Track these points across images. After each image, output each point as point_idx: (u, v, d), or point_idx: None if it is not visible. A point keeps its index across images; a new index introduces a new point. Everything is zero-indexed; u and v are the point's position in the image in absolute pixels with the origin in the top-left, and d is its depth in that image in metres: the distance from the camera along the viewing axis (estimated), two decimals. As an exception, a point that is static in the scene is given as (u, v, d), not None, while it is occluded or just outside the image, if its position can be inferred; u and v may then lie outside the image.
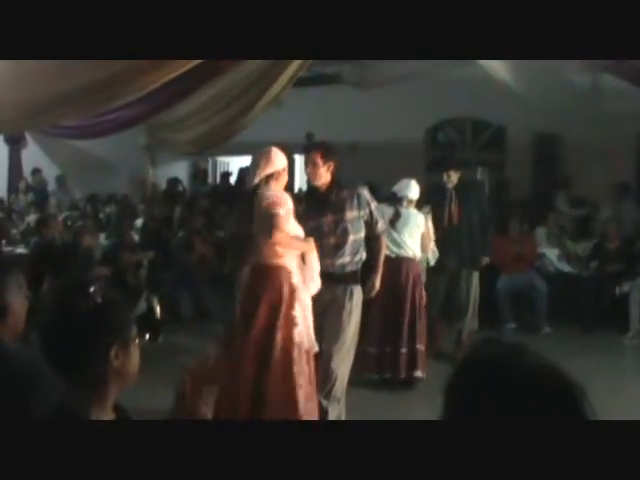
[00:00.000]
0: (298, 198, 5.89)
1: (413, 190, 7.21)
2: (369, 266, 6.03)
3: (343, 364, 5.68)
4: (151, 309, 9.00)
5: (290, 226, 5.19)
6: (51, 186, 15.04)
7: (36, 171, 14.95)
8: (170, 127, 12.99)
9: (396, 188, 7.27)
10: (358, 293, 5.79)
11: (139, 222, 12.05)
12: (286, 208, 5.13)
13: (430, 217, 7.44)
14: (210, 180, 16.62)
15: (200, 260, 10.58)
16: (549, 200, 12.09)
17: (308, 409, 5.19)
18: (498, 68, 9.64)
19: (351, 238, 5.69)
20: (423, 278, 7.38)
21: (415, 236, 7.19)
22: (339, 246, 5.63)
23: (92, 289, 2.16)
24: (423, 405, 6.39)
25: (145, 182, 14.69)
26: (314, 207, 5.60)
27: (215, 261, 10.80)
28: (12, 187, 15.14)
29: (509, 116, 12.28)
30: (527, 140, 12.83)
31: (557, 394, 1.43)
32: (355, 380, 6.09)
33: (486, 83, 10.30)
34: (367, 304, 6.07)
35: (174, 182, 14.87)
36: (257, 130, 11.30)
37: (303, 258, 5.32)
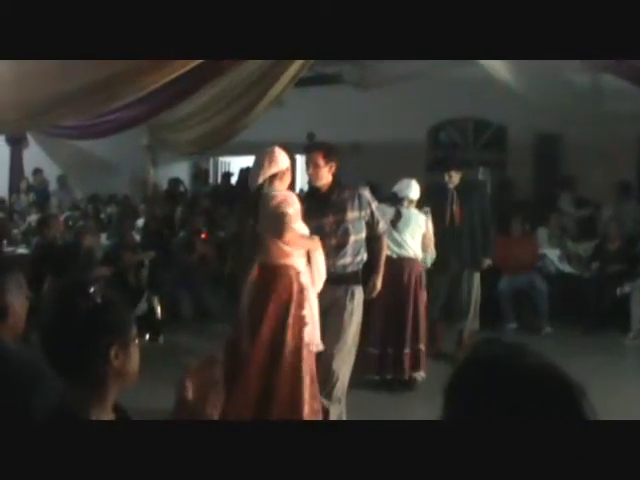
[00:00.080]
0: (299, 198, 5.89)
1: (414, 190, 7.20)
2: (370, 266, 6.03)
3: (344, 364, 5.68)
4: (152, 309, 9.01)
5: (298, 225, 5.20)
6: (52, 186, 15.05)
7: (37, 171, 14.95)
8: (171, 127, 12.99)
9: (397, 188, 7.25)
10: (359, 294, 5.79)
11: (140, 222, 12.05)
12: (295, 207, 5.14)
13: (430, 217, 7.43)
14: (211, 180, 16.61)
15: (201, 260, 10.58)
16: (551, 200, 12.07)
17: (314, 408, 5.20)
18: (499, 68, 9.64)
19: (352, 239, 5.69)
20: (424, 278, 7.36)
21: (416, 236, 7.18)
22: (340, 247, 5.63)
23: (92, 289, 2.16)
24: (423, 405, 6.39)
25: (146, 182, 14.69)
26: (315, 208, 5.60)
27: (216, 261, 10.80)
28: (13, 187, 15.15)
29: (510, 116, 12.28)
30: (528, 140, 12.82)
31: (557, 394, 1.43)
32: (355, 381, 6.09)
33: (487, 83, 10.29)
34: (368, 304, 6.07)
35: (175, 182, 14.86)
36: (258, 130, 11.29)
37: (308, 257, 5.32)
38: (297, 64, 9.60)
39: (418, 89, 12.20)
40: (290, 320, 5.13)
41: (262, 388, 5.11)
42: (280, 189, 5.26)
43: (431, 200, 7.82)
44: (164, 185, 15.04)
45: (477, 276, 8.06)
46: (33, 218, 12.22)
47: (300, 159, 7.80)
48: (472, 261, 7.98)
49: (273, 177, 5.23)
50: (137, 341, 2.26)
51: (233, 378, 5.10)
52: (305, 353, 5.18)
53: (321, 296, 5.39)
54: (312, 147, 6.12)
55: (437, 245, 7.50)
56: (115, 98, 8.84)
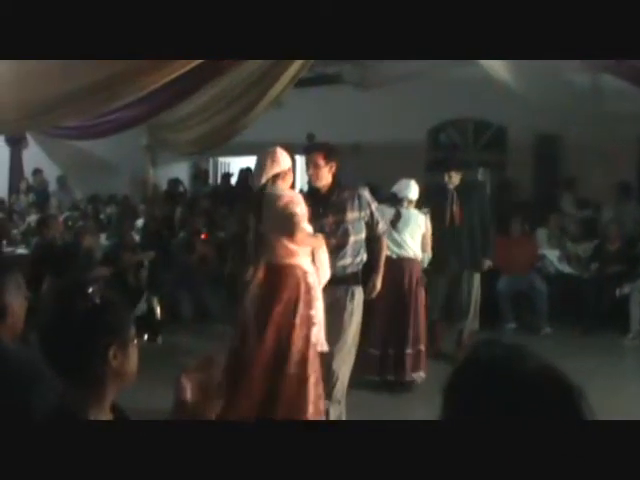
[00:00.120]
0: (300, 199, 5.89)
1: (413, 190, 7.20)
2: (370, 267, 6.03)
3: (344, 365, 5.68)
4: (151, 309, 9.00)
5: (305, 225, 5.20)
6: (52, 186, 15.04)
7: (37, 172, 14.95)
8: (171, 127, 12.99)
9: (396, 189, 7.25)
10: (359, 294, 5.79)
11: (140, 222, 12.05)
12: (302, 207, 5.14)
13: (429, 218, 7.42)
14: (211, 181, 16.60)
15: (201, 261, 10.58)
16: (551, 201, 12.07)
17: (318, 409, 5.20)
18: (499, 69, 9.64)
19: (352, 239, 5.69)
20: (424, 278, 7.36)
21: (416, 236, 7.18)
22: (340, 247, 5.63)
23: (91, 289, 2.16)
24: (423, 406, 6.38)
25: (146, 182, 14.69)
26: (315, 208, 5.59)
27: (216, 262, 10.80)
28: (13, 187, 15.14)
29: (510, 117, 12.27)
30: (528, 140, 12.81)
31: (556, 396, 1.43)
32: (356, 381, 6.09)
33: (487, 84, 10.29)
34: (368, 305, 6.07)
35: (175, 183, 14.86)
36: (258, 131, 11.29)
37: (312, 256, 5.32)
38: (297, 64, 9.60)
39: (418, 90, 12.20)
40: (298, 320, 5.12)
41: (267, 388, 5.10)
42: (283, 189, 5.26)
43: (431, 200, 7.82)
44: (164, 185, 15.03)
45: (477, 277, 8.05)
46: (33, 218, 12.21)
47: (300, 159, 7.81)
48: (472, 262, 7.98)
49: (276, 177, 5.23)
50: (136, 341, 2.26)
51: (237, 378, 5.08)
52: (311, 353, 5.17)
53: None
54: (312, 147, 6.12)
55: (437, 245, 7.49)
56: (115, 98, 8.84)
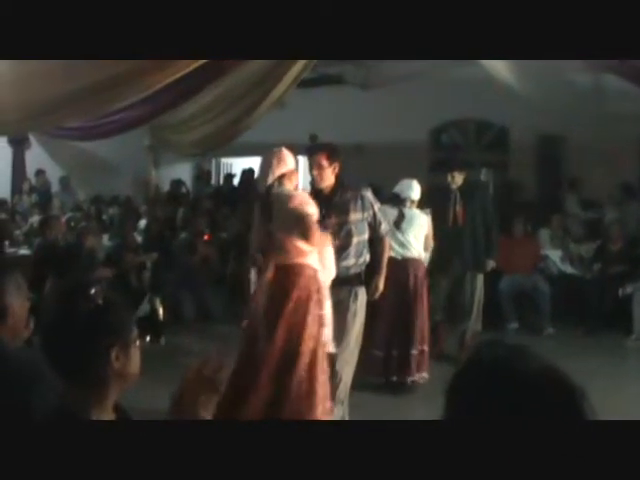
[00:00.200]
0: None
1: (415, 190, 7.18)
2: (373, 268, 6.02)
3: (347, 365, 5.68)
4: (154, 310, 9.00)
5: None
6: (55, 187, 15.03)
7: (40, 172, 14.94)
8: (174, 128, 13.00)
9: (398, 189, 7.23)
10: (362, 295, 5.80)
11: (142, 223, 12.05)
12: (313, 207, 5.13)
13: (430, 218, 7.41)
14: (213, 181, 16.59)
15: (203, 261, 10.58)
16: (553, 201, 12.06)
17: (326, 408, 5.19)
18: (501, 69, 9.63)
19: (355, 240, 5.69)
20: (427, 279, 7.35)
21: (420, 237, 7.17)
22: (343, 248, 5.62)
23: (93, 290, 2.16)
24: (426, 407, 6.37)
25: (148, 183, 14.70)
26: (318, 209, 5.59)
27: (218, 262, 10.80)
28: (16, 188, 15.14)
29: (512, 117, 12.25)
30: (530, 141, 12.80)
31: (558, 396, 1.43)
32: (359, 382, 6.08)
33: (489, 84, 10.29)
34: (372, 306, 6.07)
35: (177, 183, 14.86)
36: (260, 131, 11.31)
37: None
38: (299, 65, 9.61)
39: (420, 90, 12.21)
40: (309, 320, 5.09)
41: (277, 388, 5.07)
42: (290, 189, 5.25)
43: (434, 201, 7.80)
44: (166, 186, 15.03)
45: (480, 277, 8.04)
46: (35, 219, 12.22)
47: (302, 160, 7.81)
48: (475, 262, 7.96)
49: (282, 177, 5.22)
50: (138, 342, 2.26)
51: (247, 378, 5.06)
52: (320, 353, 5.16)
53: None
54: (315, 148, 6.12)
55: (440, 246, 7.49)
56: (118, 99, 8.84)
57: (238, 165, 15.83)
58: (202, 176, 16.18)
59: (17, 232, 11.96)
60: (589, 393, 1.45)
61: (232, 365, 5.21)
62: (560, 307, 9.52)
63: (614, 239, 9.87)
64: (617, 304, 9.31)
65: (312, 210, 5.09)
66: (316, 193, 5.83)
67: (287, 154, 5.29)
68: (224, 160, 16.72)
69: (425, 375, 7.00)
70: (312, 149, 6.06)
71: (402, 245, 7.05)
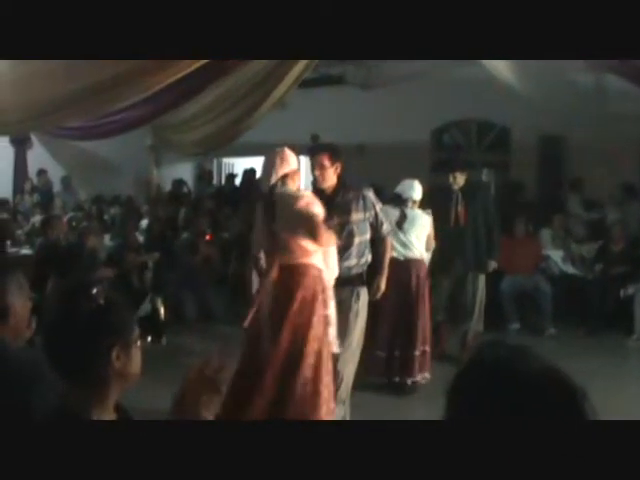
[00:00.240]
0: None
1: (417, 191, 7.17)
2: (374, 268, 6.02)
3: (348, 365, 5.68)
4: (155, 310, 9.00)
5: None
6: (56, 187, 15.04)
7: (41, 172, 14.94)
8: (175, 128, 13.01)
9: (399, 189, 7.22)
10: (364, 295, 5.80)
11: (144, 223, 12.05)
12: (320, 207, 5.13)
13: (431, 218, 7.40)
14: (215, 181, 16.59)
15: (205, 261, 10.58)
16: (555, 202, 12.05)
17: (330, 409, 5.19)
18: (502, 69, 9.63)
19: (357, 240, 5.69)
20: (429, 279, 7.35)
21: (422, 237, 7.15)
22: (345, 248, 5.62)
23: (95, 290, 2.16)
24: (428, 407, 6.37)
25: (150, 183, 14.71)
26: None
27: (220, 262, 10.80)
28: (17, 188, 15.14)
29: (513, 117, 12.26)
30: (531, 141, 12.79)
31: (559, 397, 1.43)
32: (360, 383, 6.08)
33: (491, 85, 10.29)
34: (375, 307, 6.07)
35: (179, 183, 14.87)
36: (262, 131, 11.32)
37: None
38: (301, 65, 9.61)
39: (422, 90, 12.22)
40: (315, 320, 5.08)
41: (282, 389, 5.04)
42: (293, 189, 5.24)
43: (435, 201, 7.79)
44: (168, 186, 15.04)
45: (482, 278, 8.03)
46: (37, 219, 12.22)
47: (303, 160, 7.78)
48: (476, 263, 7.96)
49: (285, 177, 5.20)
50: (139, 343, 2.26)
51: (251, 379, 5.04)
52: (325, 354, 5.15)
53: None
54: (318, 148, 6.11)
55: (441, 246, 7.48)
56: (120, 98, 8.85)
57: (240, 165, 15.84)
58: (204, 176, 16.18)
59: (19, 232, 11.97)
60: (590, 393, 1.45)
61: (234, 365, 5.21)
62: (561, 307, 9.52)
63: (616, 240, 9.86)
64: (618, 304, 9.30)
65: (319, 210, 5.09)
66: (318, 193, 5.82)
67: (290, 154, 5.27)
68: (226, 160, 16.72)
69: (427, 375, 7.00)
70: (314, 149, 6.06)
71: (404, 245, 7.04)
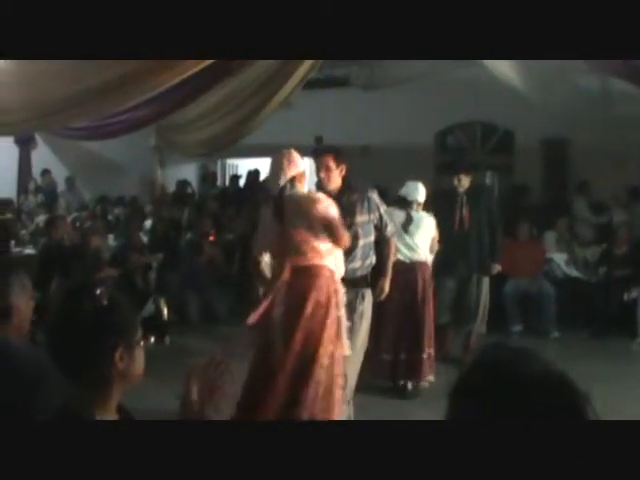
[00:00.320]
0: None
1: (422, 193, 7.15)
2: (379, 270, 6.01)
3: (352, 366, 5.66)
4: (159, 311, 9.01)
5: None
6: (60, 187, 15.07)
7: (46, 172, 14.97)
8: (179, 129, 13.00)
9: (404, 191, 7.20)
10: (369, 296, 5.80)
11: (148, 224, 12.06)
12: (335, 208, 5.14)
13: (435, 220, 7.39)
14: (219, 182, 16.60)
15: (208, 262, 10.59)
16: (559, 204, 12.04)
17: (342, 410, 5.18)
18: (507, 72, 9.63)
19: (361, 242, 5.69)
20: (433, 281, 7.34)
21: (427, 239, 7.13)
22: (349, 250, 5.60)
23: (99, 291, 2.17)
24: (431, 409, 6.36)
25: (154, 184, 14.70)
26: None
27: (223, 263, 10.81)
28: (22, 188, 15.17)
29: (517, 120, 12.25)
30: (535, 144, 12.79)
31: (561, 400, 1.42)
32: (364, 385, 6.08)
33: (495, 87, 10.29)
34: (380, 310, 6.07)
35: (183, 184, 14.88)
36: (266, 133, 11.32)
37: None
38: (305, 66, 9.61)
39: (426, 92, 12.22)
40: (328, 322, 5.05)
41: (295, 390, 5.00)
42: (302, 190, 5.24)
43: (440, 204, 7.79)
44: (172, 187, 15.04)
45: (486, 280, 8.02)
46: (41, 219, 12.24)
47: (308, 162, 7.75)
48: (480, 265, 7.95)
49: (294, 178, 5.18)
50: (142, 343, 2.26)
51: (264, 381, 5.03)
52: (338, 355, 5.13)
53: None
54: (322, 150, 6.10)
55: (445, 249, 7.47)
56: (126, 98, 8.83)
57: (244, 166, 15.85)
58: (208, 177, 16.19)
59: (23, 232, 12.00)
60: (594, 396, 1.45)
61: (235, 365, 5.21)
62: (565, 310, 9.51)
63: (620, 242, 9.86)
64: (622, 307, 9.29)
65: (336, 212, 5.10)
66: (322, 195, 5.84)
67: (297, 156, 5.25)
68: (230, 161, 16.73)
69: (431, 378, 6.98)
70: (319, 151, 6.05)
71: (410, 248, 7.03)
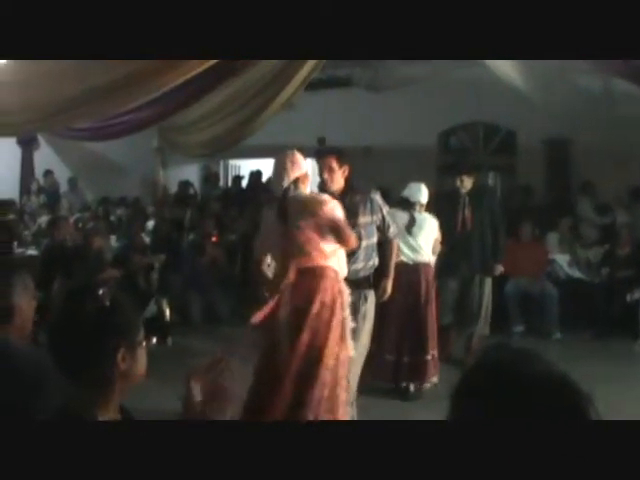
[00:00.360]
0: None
1: (424, 194, 7.15)
2: (381, 270, 6.01)
3: (355, 367, 5.66)
4: (161, 312, 9.02)
5: None
6: (63, 188, 15.07)
7: (48, 173, 14.98)
8: (182, 130, 13.01)
9: (407, 193, 7.19)
10: (371, 297, 5.80)
11: (150, 225, 12.06)
12: (341, 210, 5.14)
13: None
14: (221, 183, 16.59)
15: (211, 263, 10.59)
16: (561, 205, 12.03)
17: (346, 411, 5.18)
18: (509, 72, 9.63)
19: (364, 243, 5.68)
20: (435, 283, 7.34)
21: (430, 240, 7.13)
22: (352, 251, 5.59)
23: (101, 291, 2.17)
24: (433, 411, 6.35)
25: (156, 184, 14.71)
26: None
27: (226, 264, 10.81)
28: (24, 189, 15.18)
29: (520, 120, 12.24)
30: (538, 144, 12.78)
31: (563, 401, 1.42)
32: (366, 387, 6.07)
33: (497, 87, 10.28)
34: (383, 311, 6.06)
35: (185, 185, 14.88)
36: (268, 133, 11.32)
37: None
38: (308, 66, 9.60)
39: (429, 93, 12.20)
40: (334, 322, 5.05)
41: (300, 391, 4.99)
42: (306, 192, 5.23)
43: (442, 205, 7.78)
44: (174, 187, 15.04)
45: (488, 281, 8.01)
46: (43, 220, 12.25)
47: (310, 163, 7.75)
48: (483, 266, 7.94)
49: (297, 180, 5.18)
50: (144, 344, 2.26)
51: (270, 382, 5.02)
52: (343, 356, 5.12)
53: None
54: (325, 151, 6.11)
55: (448, 250, 7.47)
56: (130, 99, 8.84)
57: (246, 167, 15.85)
58: (210, 178, 16.19)
59: (25, 232, 12.01)
60: (596, 397, 1.45)
61: (236, 365, 5.20)
62: (567, 311, 9.50)
63: (622, 243, 9.85)
64: (625, 308, 9.28)
65: (342, 213, 5.10)
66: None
67: (300, 157, 5.24)
68: (232, 162, 16.73)
69: (434, 380, 6.97)
70: (321, 152, 6.06)
71: (413, 249, 7.02)
